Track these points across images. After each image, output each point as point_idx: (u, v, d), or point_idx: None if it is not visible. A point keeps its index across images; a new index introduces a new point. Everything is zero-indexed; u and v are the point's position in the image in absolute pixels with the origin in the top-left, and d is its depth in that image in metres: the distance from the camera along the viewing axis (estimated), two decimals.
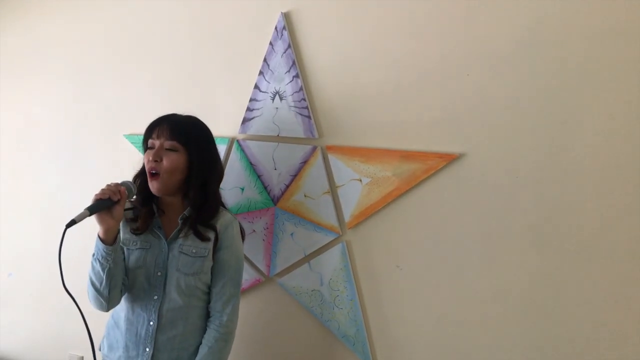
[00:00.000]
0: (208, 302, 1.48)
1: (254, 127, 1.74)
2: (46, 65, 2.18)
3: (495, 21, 1.44)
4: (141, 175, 1.46)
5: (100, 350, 1.51)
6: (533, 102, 1.41)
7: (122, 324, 1.43)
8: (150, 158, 1.37)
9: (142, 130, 1.93)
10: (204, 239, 1.40)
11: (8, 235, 2.29)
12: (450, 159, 1.48)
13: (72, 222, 1.22)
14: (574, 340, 1.38)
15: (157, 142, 1.39)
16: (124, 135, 1.98)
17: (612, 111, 1.33)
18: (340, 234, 1.63)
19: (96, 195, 1.28)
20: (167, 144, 1.38)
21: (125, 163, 1.98)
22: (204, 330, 1.45)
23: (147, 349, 1.39)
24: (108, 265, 1.32)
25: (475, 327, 1.49)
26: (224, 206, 1.57)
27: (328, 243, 1.65)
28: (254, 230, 1.75)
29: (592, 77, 1.35)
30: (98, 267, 1.32)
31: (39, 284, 2.21)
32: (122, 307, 1.45)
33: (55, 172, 2.17)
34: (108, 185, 1.31)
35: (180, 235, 1.42)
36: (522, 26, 1.41)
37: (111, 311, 1.47)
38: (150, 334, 1.39)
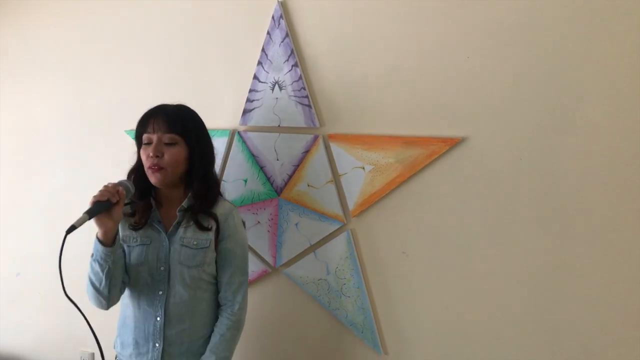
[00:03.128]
0: (215, 292, 1.47)
1: (255, 118, 1.73)
2: (45, 65, 2.17)
3: (495, 1, 1.42)
4: (137, 170, 1.44)
5: (114, 348, 1.51)
6: (535, 83, 1.39)
7: (131, 321, 1.43)
8: (151, 154, 1.34)
9: None
10: (204, 228, 1.39)
11: (15, 235, 2.30)
12: (453, 143, 1.47)
13: (72, 228, 1.21)
14: (581, 322, 1.38)
15: (154, 137, 1.36)
16: (125, 131, 1.98)
17: (617, 90, 1.32)
18: (345, 222, 1.63)
19: (94, 197, 1.26)
20: (166, 137, 1.35)
21: (128, 158, 1.98)
22: (213, 321, 1.46)
23: (157, 345, 1.39)
24: (107, 266, 1.31)
25: (482, 311, 1.49)
26: (221, 194, 1.55)
27: (333, 232, 1.65)
28: (259, 222, 1.75)
29: (595, 55, 1.33)
30: (97, 268, 1.32)
31: (47, 283, 2.21)
32: (129, 304, 1.44)
33: (58, 170, 2.18)
34: (105, 186, 1.29)
35: (181, 227, 1.41)
36: (521, 6, 1.39)
37: (120, 308, 1.48)
38: (158, 329, 1.39)
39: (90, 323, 1.26)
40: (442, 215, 1.52)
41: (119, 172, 2.02)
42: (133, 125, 1.96)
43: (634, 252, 1.32)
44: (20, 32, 2.21)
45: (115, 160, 2.03)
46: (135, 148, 1.46)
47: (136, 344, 1.42)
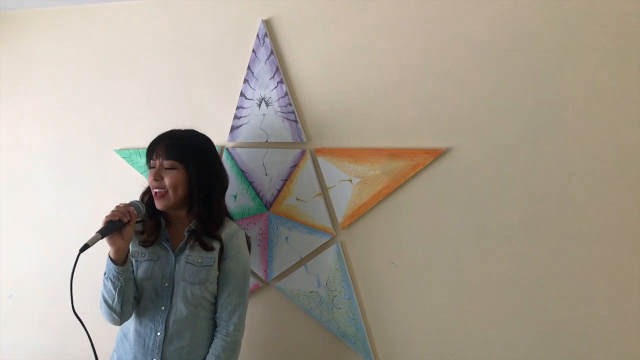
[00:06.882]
0: (215, 312, 1.49)
1: (243, 135, 1.76)
2: (34, 84, 2.18)
3: (472, 14, 1.46)
4: (148, 193, 1.50)
5: None
6: (516, 93, 1.43)
7: (131, 335, 1.45)
8: (151, 178, 1.41)
9: (132, 144, 1.96)
10: (208, 248, 1.43)
11: (6, 256, 2.30)
12: (437, 154, 1.50)
13: (86, 247, 1.24)
14: (570, 326, 1.41)
15: (157, 162, 1.42)
16: (115, 150, 1.99)
17: (597, 97, 1.35)
18: (334, 234, 1.65)
19: (106, 217, 1.31)
20: (166, 163, 1.41)
21: (117, 178, 2.00)
22: (211, 342, 1.47)
23: None
24: (120, 284, 1.35)
25: (471, 318, 1.51)
26: (230, 217, 1.59)
27: (323, 245, 1.67)
28: (249, 237, 1.77)
29: (573, 63, 1.37)
30: (110, 285, 1.35)
31: (40, 304, 2.21)
32: (131, 319, 1.46)
33: (49, 191, 2.18)
34: (117, 207, 1.34)
35: (187, 246, 1.44)
36: (499, 18, 1.44)
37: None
38: (157, 344, 1.41)
39: (88, 341, 1.27)
40: (429, 225, 1.54)
41: (109, 192, 2.04)
42: (123, 144, 2.00)
43: (621, 254, 1.35)
44: (9, 52, 2.22)
45: (105, 180, 2.05)
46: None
47: (134, 358, 1.43)
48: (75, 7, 2.06)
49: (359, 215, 1.61)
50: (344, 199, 1.63)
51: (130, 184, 1.90)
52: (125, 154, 1.97)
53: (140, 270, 1.44)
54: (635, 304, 1.34)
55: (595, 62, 1.35)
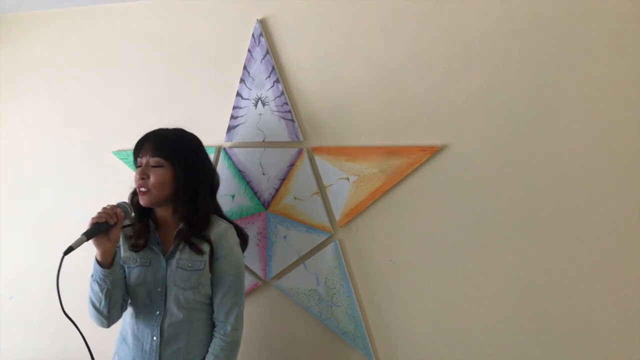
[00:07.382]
0: (211, 312, 1.48)
1: (240, 135, 1.76)
2: (32, 87, 2.19)
3: (466, 11, 1.47)
4: (136, 194, 1.46)
5: None
6: (511, 89, 1.44)
7: (129, 339, 1.45)
8: (137, 176, 1.39)
9: (130, 146, 1.95)
10: (198, 252, 1.41)
11: (6, 258, 2.30)
12: (433, 152, 1.51)
13: (70, 249, 1.24)
14: (567, 325, 1.42)
15: (143, 160, 1.40)
16: (113, 152, 2.00)
17: (593, 93, 1.36)
18: (332, 233, 1.66)
19: (92, 218, 1.30)
20: (152, 160, 1.39)
21: (116, 179, 2.01)
22: (209, 341, 1.46)
23: None
24: (106, 287, 1.34)
25: (471, 314, 1.52)
26: (222, 215, 1.57)
27: (321, 243, 1.68)
28: (246, 233, 1.77)
29: (570, 61, 1.38)
30: (97, 288, 1.35)
31: (41, 306, 2.22)
32: (128, 324, 1.46)
33: (48, 193, 2.18)
34: (104, 208, 1.33)
35: (178, 249, 1.42)
36: (493, 14, 1.44)
37: (119, 327, 1.50)
38: (154, 348, 1.41)
39: (87, 342, 1.27)
40: (426, 222, 1.55)
41: (107, 193, 2.04)
42: (120, 146, 2.00)
43: (620, 253, 1.36)
44: (8, 55, 2.22)
45: (103, 181, 2.05)
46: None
47: None
48: (74, 9, 2.06)
49: (356, 213, 1.62)
50: (342, 197, 1.63)
51: (129, 185, 1.90)
52: (123, 155, 1.97)
53: (133, 277, 1.43)
54: (635, 303, 1.35)
55: (593, 61, 1.36)
